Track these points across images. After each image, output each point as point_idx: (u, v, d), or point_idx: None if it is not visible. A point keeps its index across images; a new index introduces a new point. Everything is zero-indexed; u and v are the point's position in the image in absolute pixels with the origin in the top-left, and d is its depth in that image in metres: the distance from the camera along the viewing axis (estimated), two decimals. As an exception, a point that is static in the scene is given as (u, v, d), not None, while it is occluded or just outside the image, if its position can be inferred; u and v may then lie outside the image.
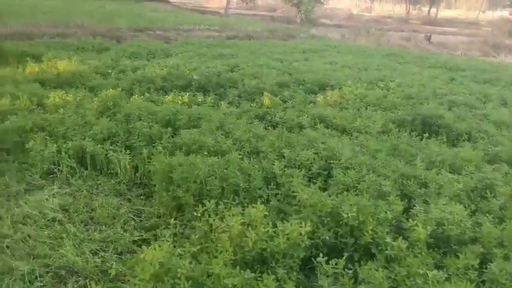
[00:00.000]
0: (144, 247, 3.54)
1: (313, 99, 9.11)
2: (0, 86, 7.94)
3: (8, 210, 4.40)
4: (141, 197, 5.03)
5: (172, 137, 5.75)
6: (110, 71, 10.31)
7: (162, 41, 16.98)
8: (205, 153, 5.04)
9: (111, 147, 5.65)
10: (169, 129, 5.93)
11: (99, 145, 5.64)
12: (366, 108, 8.22)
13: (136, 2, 36.74)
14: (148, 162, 5.36)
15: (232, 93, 8.99)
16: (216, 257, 3.06)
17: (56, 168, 5.43)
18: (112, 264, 3.57)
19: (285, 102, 8.69)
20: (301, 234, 3.35)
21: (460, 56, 22.88)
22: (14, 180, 5.17)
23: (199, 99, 8.25)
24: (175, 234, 3.87)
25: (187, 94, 8.19)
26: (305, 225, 3.41)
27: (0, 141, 6.03)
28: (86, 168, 5.53)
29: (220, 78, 9.92)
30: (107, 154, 5.53)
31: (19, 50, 11.39)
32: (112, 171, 5.48)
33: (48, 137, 5.81)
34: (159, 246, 3.08)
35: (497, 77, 13.22)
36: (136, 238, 4.06)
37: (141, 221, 4.42)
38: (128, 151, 5.62)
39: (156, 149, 5.37)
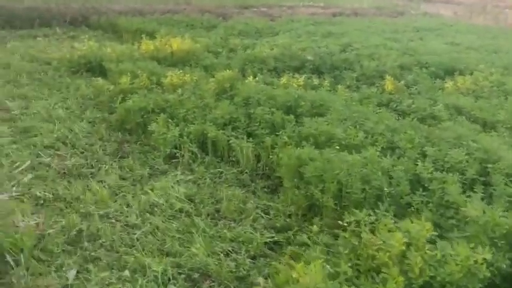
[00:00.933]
0: (281, 258, 3.17)
1: (441, 85, 8.20)
2: (119, 63, 8.04)
3: (134, 197, 4.28)
4: (265, 189, 4.67)
5: (295, 125, 5.31)
6: (220, 49, 10.13)
7: (266, 18, 16.59)
8: (337, 147, 4.54)
9: (232, 133, 5.36)
10: (291, 116, 5.50)
11: (220, 130, 5.37)
12: (506, 98, 7.17)
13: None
14: (272, 151, 5.01)
15: (349, 76, 8.34)
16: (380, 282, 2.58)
17: (177, 152, 5.25)
18: (247, 271, 3.24)
19: (408, 87, 7.88)
20: (476, 261, 2.75)
21: None
22: (137, 163, 5.08)
23: (315, 82, 7.73)
24: (314, 242, 3.44)
25: (303, 77, 7.70)
26: (480, 250, 2.80)
27: (123, 121, 6.03)
28: (207, 154, 5.30)
29: (334, 59, 9.29)
30: (228, 140, 5.24)
31: (133, 26, 11.62)
32: (233, 159, 5.19)
33: (169, 119, 5.67)
34: (310, 264, 2.66)
35: None
36: (267, 240, 3.71)
37: (270, 219, 4.06)
38: (250, 138, 5.31)
39: (280, 138, 4.98)
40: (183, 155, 5.23)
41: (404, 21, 18.54)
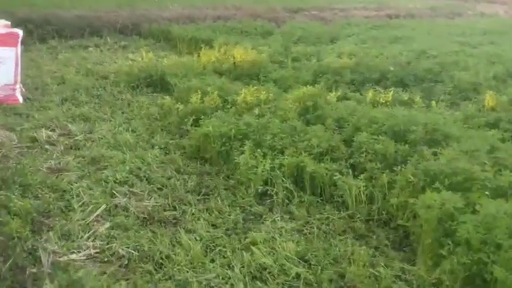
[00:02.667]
0: None
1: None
2: (182, 77, 7.32)
3: (234, 255, 3.47)
4: (390, 243, 3.77)
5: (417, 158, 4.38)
6: (283, 59, 9.31)
7: (320, 22, 15.69)
8: (486, 193, 3.61)
9: (333, 165, 4.51)
10: (405, 146, 4.60)
11: (317, 162, 4.53)
12: None
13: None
14: (389, 192, 4.12)
15: (439, 90, 7.36)
16: None
17: (270, 189, 4.44)
18: None
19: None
20: None
21: None
22: (225, 203, 4.28)
23: (404, 98, 6.79)
24: None
25: (391, 91, 6.77)
26: None
27: (199, 148, 5.27)
28: (305, 192, 4.45)
29: (414, 69, 8.30)
30: (331, 176, 4.39)
31: (188, 34, 10.92)
32: (338, 199, 4.32)
33: (253, 147, 4.86)
34: None
35: None
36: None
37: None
38: (355, 172, 4.45)
39: (401, 175, 4.09)
40: (276, 193, 4.40)
41: (465, 23, 17.31)
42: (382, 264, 3.41)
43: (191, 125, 5.85)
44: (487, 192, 3.59)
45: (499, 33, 14.57)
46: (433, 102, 6.60)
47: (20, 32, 6.43)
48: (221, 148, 5.03)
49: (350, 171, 4.45)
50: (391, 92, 6.73)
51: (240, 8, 16.21)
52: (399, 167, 4.22)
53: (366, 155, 4.55)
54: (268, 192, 4.44)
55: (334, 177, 4.35)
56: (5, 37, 6.21)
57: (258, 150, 4.79)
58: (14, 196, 3.85)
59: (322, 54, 9.61)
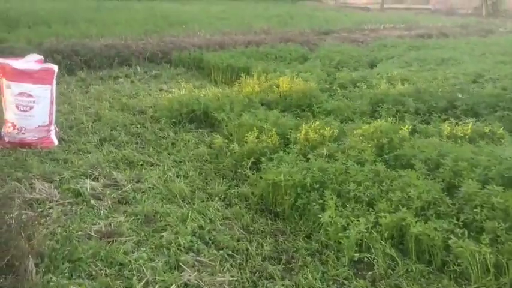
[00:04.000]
0: None
1: None
2: (229, 111, 6.61)
3: None
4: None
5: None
6: (329, 86, 8.59)
7: (352, 44, 15.02)
8: None
9: (442, 224, 3.69)
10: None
11: (424, 222, 3.72)
12: None
13: (293, 2, 35.35)
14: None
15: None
16: None
17: (366, 255, 3.63)
18: None
19: None
20: None
21: None
22: (315, 274, 3.49)
23: (486, 130, 5.96)
24: None
25: (470, 123, 5.96)
26: None
27: (264, 198, 4.51)
28: (410, 258, 3.64)
29: (482, 95, 7.49)
30: (443, 238, 3.57)
31: (223, 62, 10.26)
32: (455, 269, 3.49)
33: (336, 198, 4.08)
34: None
35: None
36: None
37: None
38: (470, 233, 3.63)
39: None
40: (375, 260, 3.59)
41: (502, 41, 16.48)
42: None
43: (249, 168, 5.13)
44: None
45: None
46: (518, 135, 5.79)
47: (55, 68, 5.78)
48: (296, 201, 4.25)
49: (465, 231, 3.62)
50: (469, 124, 5.91)
51: (269, 32, 15.64)
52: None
53: (481, 211, 3.73)
54: (365, 259, 3.63)
55: (449, 240, 3.53)
56: (40, 74, 5.57)
57: (345, 204, 4.00)
58: (65, 279, 3.09)
59: (370, 79, 8.87)
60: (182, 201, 4.53)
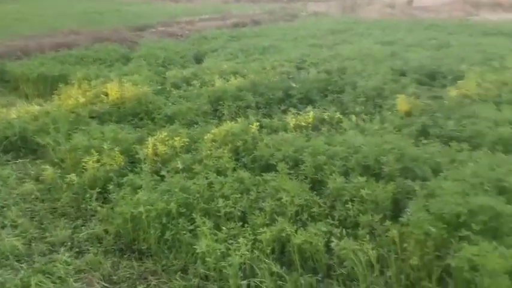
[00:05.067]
0: None
1: (438, 93, 7.24)
2: (56, 134, 5.60)
3: None
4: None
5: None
6: (162, 87, 8.05)
7: (171, 38, 14.59)
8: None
9: (321, 227, 3.57)
10: (388, 183, 3.89)
11: (303, 229, 3.55)
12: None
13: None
14: (402, 249, 3.35)
15: (347, 101, 6.93)
16: None
17: (252, 281, 3.31)
18: None
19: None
20: None
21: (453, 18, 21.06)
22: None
23: (325, 116, 6.18)
24: None
25: (311, 111, 6.09)
26: None
27: (120, 236, 3.85)
28: (295, 270, 3.43)
29: (312, 82, 7.81)
30: (325, 242, 3.45)
31: (33, 72, 8.82)
32: (342, 271, 3.40)
33: (207, 220, 3.65)
34: None
35: None
36: None
37: None
38: (346, 230, 3.59)
39: (407, 225, 3.34)
40: (264, 282, 3.30)
41: (308, 24, 17.86)
42: None
43: (96, 200, 4.36)
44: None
45: (342, 31, 15.13)
46: (353, 117, 6.13)
47: None
48: (163, 233, 3.69)
49: (343, 230, 3.56)
50: (311, 113, 6.05)
51: (79, 32, 14.14)
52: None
53: (352, 206, 3.72)
54: (251, 284, 3.31)
55: (330, 243, 3.42)
56: None
57: (218, 225, 3.61)
58: None
59: (202, 75, 8.58)
60: (17, 261, 3.58)
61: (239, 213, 3.80)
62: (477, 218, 3.22)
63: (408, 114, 6.36)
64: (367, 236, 3.44)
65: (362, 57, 9.69)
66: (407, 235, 3.33)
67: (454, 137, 5.26)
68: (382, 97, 7.02)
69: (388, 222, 3.50)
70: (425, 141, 5.03)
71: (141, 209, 3.69)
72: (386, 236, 3.43)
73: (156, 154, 4.98)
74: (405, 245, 3.33)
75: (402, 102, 6.50)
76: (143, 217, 3.69)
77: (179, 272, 3.49)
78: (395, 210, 3.74)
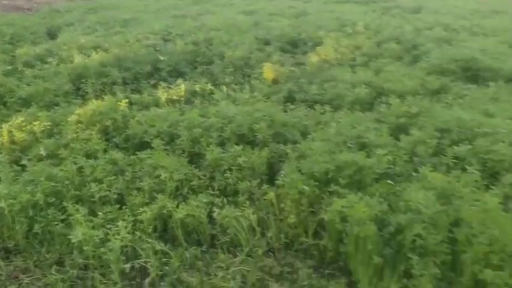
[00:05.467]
0: None
1: (301, 60, 7.64)
2: None
3: None
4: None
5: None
6: (12, 67, 7.24)
7: (18, 12, 13.16)
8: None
9: (202, 199, 3.57)
10: (262, 150, 4.02)
11: (185, 203, 3.52)
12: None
13: None
14: (280, 209, 3.52)
15: (217, 72, 6.94)
16: None
17: (136, 262, 3.22)
18: None
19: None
20: None
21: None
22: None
23: (196, 88, 6.12)
24: None
25: (181, 84, 5.99)
26: None
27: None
28: (180, 245, 3.41)
29: (180, 53, 7.65)
30: (208, 213, 3.48)
31: None
32: (225, 239, 3.46)
33: (80, 207, 3.43)
34: None
35: None
36: None
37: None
38: (227, 198, 3.66)
39: (283, 186, 3.51)
40: (149, 263, 3.22)
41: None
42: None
43: None
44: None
45: (206, 1, 14.99)
46: (224, 88, 6.18)
47: None
48: (31, 227, 3.38)
49: (224, 199, 3.61)
50: (182, 86, 5.95)
51: None
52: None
53: (231, 174, 3.78)
54: (137, 266, 3.22)
55: (213, 213, 3.46)
56: None
57: (94, 211, 3.41)
58: None
59: (58, 52, 7.91)
60: None
61: (115, 196, 3.63)
62: (343, 173, 3.48)
63: (275, 81, 6.60)
64: (247, 202, 3.55)
65: (227, 27, 9.73)
66: (284, 196, 3.50)
67: (317, 100, 5.61)
68: (250, 66, 7.17)
69: (265, 186, 3.65)
70: (292, 107, 5.28)
71: (2, 203, 3.31)
72: (265, 200, 3.57)
73: (13, 142, 4.49)
74: (282, 205, 3.50)
75: (268, 71, 6.71)
76: (6, 212, 3.32)
77: (54, 266, 3.23)
78: (271, 174, 3.88)
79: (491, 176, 3.53)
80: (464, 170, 3.47)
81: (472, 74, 6.34)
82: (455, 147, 3.84)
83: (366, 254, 2.93)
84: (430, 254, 2.74)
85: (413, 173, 3.55)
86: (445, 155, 3.77)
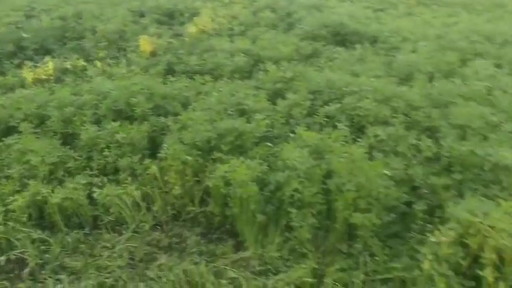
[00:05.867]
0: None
1: (179, 31, 7.50)
2: None
3: None
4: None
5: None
6: None
7: None
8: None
9: (80, 180, 3.40)
10: (143, 122, 3.92)
11: (60, 187, 3.32)
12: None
13: None
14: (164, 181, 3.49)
15: (89, 47, 6.54)
16: None
17: (13, 254, 3.00)
18: None
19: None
20: None
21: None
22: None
23: (67, 66, 5.73)
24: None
25: (49, 61, 5.57)
26: None
27: None
28: (60, 230, 3.24)
29: (46, 30, 7.06)
30: (89, 195, 3.33)
31: None
32: (111, 219, 3.36)
33: None
34: None
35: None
36: None
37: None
38: (107, 177, 3.54)
39: (165, 159, 3.48)
40: (24, 253, 3.02)
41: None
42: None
43: None
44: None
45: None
46: (98, 63, 5.87)
47: None
48: None
49: (104, 178, 3.48)
50: (50, 63, 5.53)
51: None
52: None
53: (110, 152, 3.63)
54: (11, 258, 3.00)
55: (93, 195, 3.32)
56: None
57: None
58: None
59: None
60: None
61: (-19, 187, 3.31)
62: (225, 139, 3.54)
63: (153, 54, 6.41)
64: (129, 178, 3.47)
65: (97, 0, 9.19)
66: (167, 168, 3.47)
67: (197, 71, 5.56)
68: (125, 40, 6.88)
69: (147, 161, 3.57)
70: (172, 79, 5.18)
71: None
72: (148, 174, 3.50)
73: None
74: (166, 178, 3.47)
75: (145, 43, 6.49)
76: None
77: None
78: (153, 148, 3.81)
79: (358, 130, 3.82)
80: (335, 126, 3.71)
81: (341, 39, 6.74)
82: (326, 106, 4.09)
83: (250, 213, 3.04)
84: (307, 206, 2.92)
85: (290, 134, 3.71)
86: (318, 115, 4.00)
